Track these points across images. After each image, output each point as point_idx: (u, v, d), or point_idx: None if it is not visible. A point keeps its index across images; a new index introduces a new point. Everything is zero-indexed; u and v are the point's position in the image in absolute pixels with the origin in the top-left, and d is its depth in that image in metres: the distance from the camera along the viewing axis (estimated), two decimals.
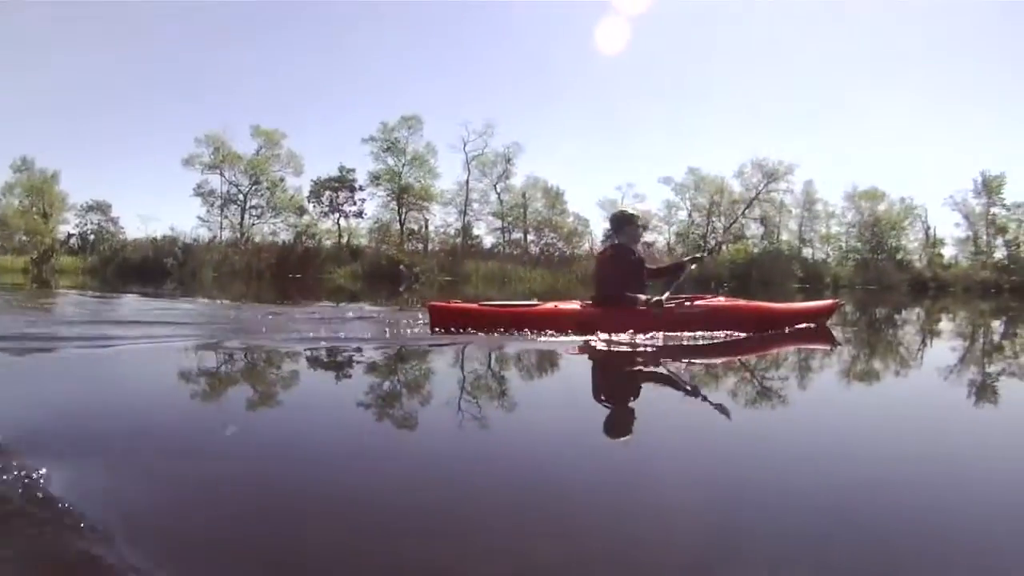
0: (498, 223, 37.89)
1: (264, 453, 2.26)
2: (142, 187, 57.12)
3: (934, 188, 65.29)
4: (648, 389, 3.82)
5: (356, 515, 1.72)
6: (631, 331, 5.52)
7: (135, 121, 56.42)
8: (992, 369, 5.11)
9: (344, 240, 35.75)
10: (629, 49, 63.28)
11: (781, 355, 5.25)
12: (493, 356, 4.77)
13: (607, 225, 40.87)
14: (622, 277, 5.76)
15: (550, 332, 5.53)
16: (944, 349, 6.68)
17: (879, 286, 35.81)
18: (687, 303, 5.83)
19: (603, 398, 3.53)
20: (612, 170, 77.57)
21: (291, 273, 31.26)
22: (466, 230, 36.88)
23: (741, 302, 6.45)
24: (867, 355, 5.70)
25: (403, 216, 36.44)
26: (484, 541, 1.57)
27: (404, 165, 36.20)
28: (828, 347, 5.87)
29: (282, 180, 36.02)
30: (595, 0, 65.80)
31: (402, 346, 5.18)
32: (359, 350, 4.87)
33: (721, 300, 6.16)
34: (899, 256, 43.85)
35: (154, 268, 32.00)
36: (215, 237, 34.94)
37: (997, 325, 10.53)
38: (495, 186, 37.31)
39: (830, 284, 36.65)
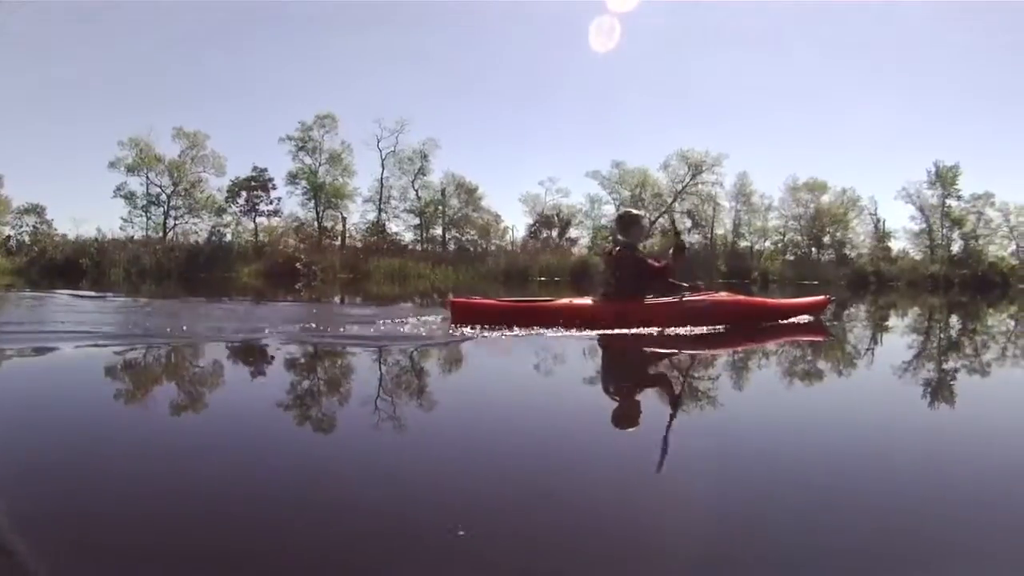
0: (416, 220, 36.46)
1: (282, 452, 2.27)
2: (76, 190, 56.22)
3: (888, 182, 62.12)
4: (659, 381, 3.97)
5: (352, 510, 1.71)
6: (641, 325, 5.74)
7: (68, 125, 55.24)
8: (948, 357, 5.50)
9: (257, 239, 34.65)
10: (559, 45, 61.16)
11: (783, 347, 5.56)
12: (511, 351, 5.04)
13: (528, 220, 40.10)
14: (631, 275, 6.00)
15: (564, 326, 5.71)
16: (906, 341, 7.05)
17: (817, 281, 33.82)
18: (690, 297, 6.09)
19: (615, 390, 3.66)
20: (536, 166, 75.18)
21: (199, 272, 30.73)
22: (377, 227, 35.52)
23: (742, 297, 6.85)
24: (859, 346, 6.09)
25: (320, 214, 35.28)
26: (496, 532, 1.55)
27: (320, 164, 35.06)
28: (823, 339, 6.28)
29: (199, 181, 35.05)
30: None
31: (423, 344, 5.22)
32: (383, 348, 4.92)
33: (723, 296, 6.45)
34: (845, 250, 41.77)
35: (73, 268, 31.88)
36: (131, 238, 34.17)
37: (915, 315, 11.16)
38: (412, 183, 35.92)
39: (757, 279, 34.68)
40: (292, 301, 11.33)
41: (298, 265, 29.92)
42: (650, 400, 3.27)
